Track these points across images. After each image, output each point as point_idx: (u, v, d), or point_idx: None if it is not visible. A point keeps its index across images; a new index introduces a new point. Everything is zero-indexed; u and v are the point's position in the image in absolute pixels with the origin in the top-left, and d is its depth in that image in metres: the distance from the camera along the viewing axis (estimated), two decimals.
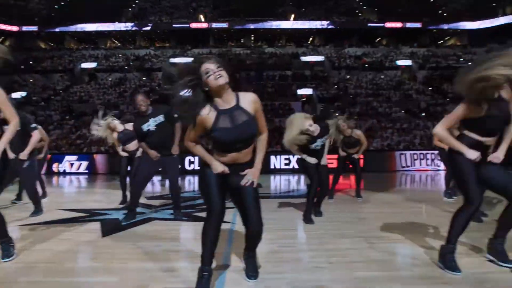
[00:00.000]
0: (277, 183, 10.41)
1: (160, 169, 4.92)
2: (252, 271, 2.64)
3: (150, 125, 4.63)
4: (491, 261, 2.87)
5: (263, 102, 17.20)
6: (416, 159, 13.73)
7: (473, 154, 2.65)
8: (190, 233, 4.06)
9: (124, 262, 3.01)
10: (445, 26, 36.32)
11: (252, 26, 36.26)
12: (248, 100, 2.41)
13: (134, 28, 35.57)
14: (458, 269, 2.65)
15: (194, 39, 35.53)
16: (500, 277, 2.60)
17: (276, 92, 26.05)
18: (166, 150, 4.67)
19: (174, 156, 4.74)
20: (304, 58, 31.78)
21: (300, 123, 4.36)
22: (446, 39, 38.66)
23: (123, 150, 6.07)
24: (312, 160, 4.63)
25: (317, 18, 36.85)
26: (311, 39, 39.01)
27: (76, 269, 2.94)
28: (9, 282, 2.62)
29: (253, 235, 2.54)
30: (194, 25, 35.60)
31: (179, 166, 5.19)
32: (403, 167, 13.61)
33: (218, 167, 2.41)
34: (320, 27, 36.61)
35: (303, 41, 37.57)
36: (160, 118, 4.65)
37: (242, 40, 38.00)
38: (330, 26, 36.44)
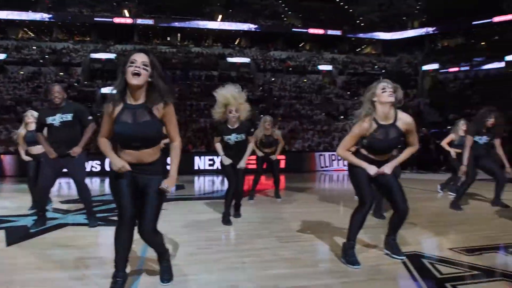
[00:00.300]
0: (201, 184, 10.39)
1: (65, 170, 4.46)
2: (166, 274, 2.64)
3: (55, 120, 4.27)
4: (387, 254, 3.18)
5: (188, 102, 17.05)
6: (334, 160, 14.51)
7: (372, 170, 3.00)
8: (104, 239, 3.92)
9: (30, 272, 2.84)
10: (362, 35, 38.81)
11: (178, 24, 35.68)
12: (158, 105, 2.37)
13: (51, 19, 33.10)
14: (358, 263, 2.90)
15: (118, 35, 34.04)
16: (393, 268, 2.89)
17: (202, 92, 25.89)
18: (68, 150, 4.29)
19: (77, 157, 4.33)
20: (230, 59, 31.99)
21: (231, 92, 4.48)
22: (363, 47, 41.29)
23: (27, 153, 5.61)
24: (226, 161, 4.57)
25: (244, 20, 37.30)
26: (237, 40, 39.37)
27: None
28: None
29: (143, 238, 2.50)
30: (117, 20, 34.11)
31: (85, 168, 4.85)
32: (322, 167, 14.30)
33: (117, 162, 2.33)
34: (247, 29, 37.11)
35: (229, 42, 37.79)
36: (68, 117, 4.30)
37: (168, 38, 37.22)
38: (256, 29, 37.09)
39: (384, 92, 2.95)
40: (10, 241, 3.76)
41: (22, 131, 5.64)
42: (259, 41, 37.32)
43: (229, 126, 4.56)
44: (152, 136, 2.39)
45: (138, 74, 2.27)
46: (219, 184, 10.01)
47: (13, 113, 19.82)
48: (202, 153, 13.64)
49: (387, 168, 3.01)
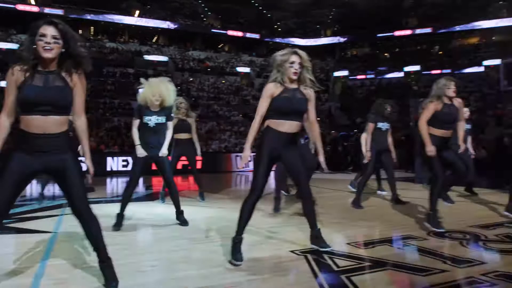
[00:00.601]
0: (113, 186, 10.00)
1: None
2: (111, 278, 2.48)
3: None
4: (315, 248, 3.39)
5: (101, 99, 16.23)
6: (250, 161, 14.84)
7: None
8: (7, 248, 3.64)
9: None
10: (279, 40, 40.12)
11: (91, 17, 33.71)
12: (72, 72, 2.33)
13: None
14: (240, 259, 3.01)
15: (22, 23, 31.09)
16: (295, 263, 3.09)
17: (116, 89, 24.82)
18: None
19: None
20: (147, 57, 31.05)
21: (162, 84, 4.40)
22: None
23: None
24: (139, 151, 4.32)
25: (163, 18, 36.44)
26: (155, 38, 38.31)
27: None
28: None
29: (80, 222, 2.43)
30: (21, 7, 31.16)
31: None
32: (239, 168, 14.57)
33: None
34: (165, 27, 36.30)
35: (147, 39, 36.62)
36: None
37: (80, 31, 34.94)
38: (175, 27, 36.44)
39: None
40: None
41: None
42: (178, 40, 36.72)
43: (151, 109, 4.39)
44: (64, 103, 2.31)
45: (49, 50, 2.22)
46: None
47: None
48: (116, 153, 13.10)
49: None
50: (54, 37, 2.22)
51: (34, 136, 2.25)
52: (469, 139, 7.01)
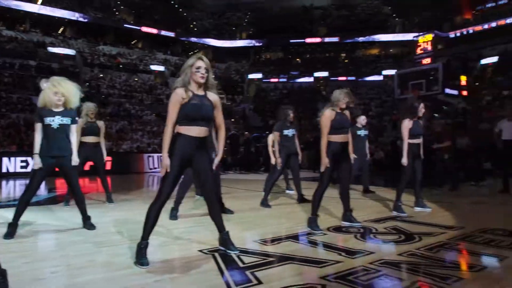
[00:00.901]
0: (10, 189, 9.16)
1: None
2: None
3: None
4: (223, 251, 3.47)
5: None
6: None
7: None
8: None
9: None
10: (195, 40, 39.89)
11: None
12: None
13: None
14: (146, 264, 3.01)
15: None
16: (203, 262, 3.17)
17: (14, 83, 22.66)
18: None
19: None
20: (52, 49, 28.83)
21: (64, 83, 4.07)
22: (195, 51, 42.41)
23: None
24: (36, 161, 3.96)
25: (70, 8, 34.09)
26: (61, 29, 35.69)
27: None
28: None
29: None
30: None
31: None
32: (151, 168, 14.23)
33: None
34: (73, 18, 34.03)
35: (51, 30, 33.96)
36: None
37: None
38: (84, 19, 34.33)
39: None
40: None
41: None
42: (87, 33, 34.65)
43: (53, 109, 4.05)
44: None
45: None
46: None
47: None
48: (13, 153, 11.98)
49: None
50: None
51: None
52: (366, 143, 7.74)
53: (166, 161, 3.17)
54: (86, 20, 34.49)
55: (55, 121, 4.02)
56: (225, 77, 35.83)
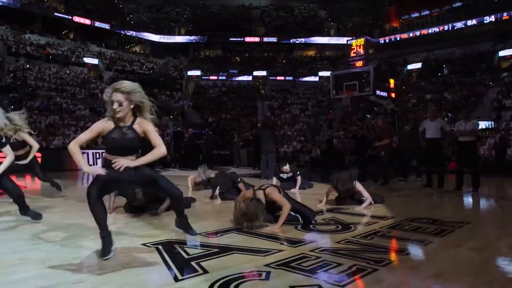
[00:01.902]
0: None
1: None
2: None
3: None
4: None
5: None
6: (99, 158, 14.03)
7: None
8: None
9: None
10: (132, 33, 38.53)
11: None
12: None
13: None
14: (107, 254, 3.03)
15: None
16: (147, 255, 3.16)
17: None
18: None
19: None
20: None
21: None
22: (132, 45, 41.06)
23: None
24: None
25: None
26: None
27: None
28: None
29: None
30: None
31: None
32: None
33: None
34: None
35: None
36: None
37: None
38: (7, 4, 31.72)
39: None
40: None
41: None
42: (11, 20, 32.05)
43: None
44: None
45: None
46: None
47: None
48: None
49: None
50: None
51: None
52: None
53: (90, 169, 3.05)
54: (10, 5, 31.89)
55: None
56: (164, 73, 35.08)
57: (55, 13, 33.98)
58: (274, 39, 39.87)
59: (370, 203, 5.62)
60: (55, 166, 12.36)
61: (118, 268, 2.84)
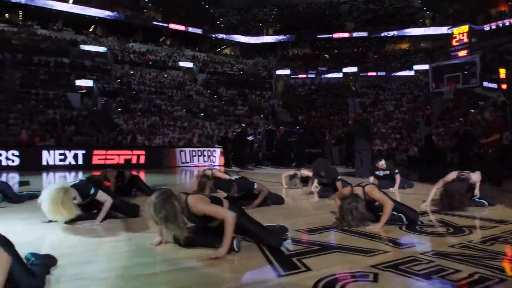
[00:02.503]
0: (50, 180, 9.45)
1: None
2: None
3: None
4: None
5: (34, 90, 15.20)
6: (194, 156, 14.74)
7: None
8: None
9: None
10: (222, 36, 40.06)
11: (19, 0, 31.38)
12: None
13: None
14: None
15: None
16: (248, 248, 3.16)
17: (50, 80, 23.37)
18: None
19: None
20: (84, 47, 29.58)
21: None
22: (223, 47, 42.66)
23: None
24: None
25: (100, 6, 34.89)
26: (92, 27, 36.59)
27: None
28: None
29: None
30: None
31: None
32: (183, 163, 14.39)
33: None
34: (103, 16, 34.81)
35: (83, 28, 34.86)
36: None
37: (7, 15, 32.46)
38: (114, 17, 35.04)
39: None
40: None
41: None
42: (117, 31, 35.37)
43: None
44: None
45: None
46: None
47: None
48: (51, 147, 12.34)
49: None
50: None
51: None
52: None
53: None
54: (116, 18, 35.19)
55: None
56: (253, 73, 35.84)
57: (153, 22, 36.71)
58: (364, 34, 38.48)
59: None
60: (156, 163, 13.25)
61: (219, 261, 2.88)
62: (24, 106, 18.83)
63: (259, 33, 40.80)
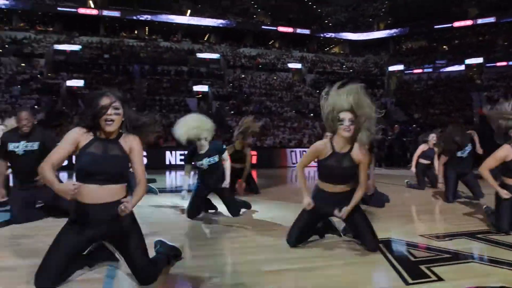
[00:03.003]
0: (172, 178, 10.32)
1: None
2: None
3: (19, 147, 3.99)
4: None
5: (158, 96, 16.72)
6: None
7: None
8: None
9: None
10: (330, 35, 39.47)
11: (146, 17, 34.97)
12: (128, 139, 2.34)
13: (9, 7, 31.58)
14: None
15: (83, 26, 32.99)
16: (370, 252, 3.01)
17: (171, 87, 25.61)
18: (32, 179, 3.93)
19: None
20: (200, 55, 31.73)
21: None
22: (331, 46, 42.02)
23: None
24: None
25: (213, 16, 37.09)
26: (207, 36, 39.09)
27: None
28: None
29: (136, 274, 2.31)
30: (82, 11, 33.06)
31: None
32: (294, 163, 14.49)
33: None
34: (216, 25, 36.92)
35: (199, 37, 37.45)
36: (34, 146, 4.03)
37: (136, 32, 36.46)
38: (225, 25, 36.95)
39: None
40: None
41: None
42: (229, 38, 37.23)
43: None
44: (120, 172, 2.32)
45: (112, 122, 2.24)
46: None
47: None
48: (173, 148, 13.49)
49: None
50: (115, 108, 2.25)
51: (86, 206, 2.21)
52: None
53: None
54: (227, 26, 37.07)
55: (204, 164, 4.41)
56: (364, 71, 34.62)
57: (263, 27, 37.77)
58: (491, 20, 34.33)
59: None
60: (268, 163, 13.56)
61: (341, 262, 2.80)
62: (150, 111, 20.91)
63: (368, 29, 39.24)
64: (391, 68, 33.89)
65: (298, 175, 3.24)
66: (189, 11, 37.02)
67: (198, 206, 4.42)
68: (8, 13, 32.67)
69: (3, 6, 31.42)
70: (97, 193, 2.20)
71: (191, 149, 4.48)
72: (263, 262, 2.79)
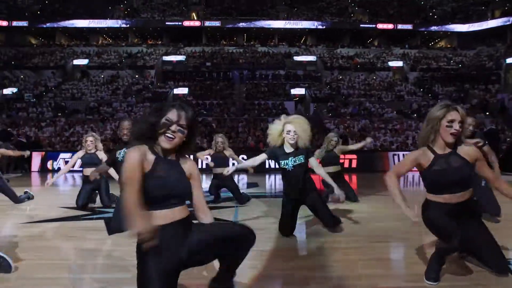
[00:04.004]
0: (271, 182, 10.50)
1: None
2: None
3: (122, 154, 4.30)
4: None
5: (256, 101, 17.06)
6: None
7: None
8: None
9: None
10: (435, 28, 36.74)
11: (244, 25, 36.30)
12: (186, 163, 2.13)
13: (126, 25, 35.47)
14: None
15: (187, 37, 35.52)
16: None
17: (269, 91, 26.15)
18: None
19: None
20: (296, 58, 31.90)
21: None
22: (436, 41, 39.13)
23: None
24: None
25: (309, 18, 37.05)
26: (303, 39, 39.17)
27: (88, 266, 2.99)
28: (23, 278, 2.66)
29: None
30: (187, 23, 35.59)
31: None
32: None
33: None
34: (312, 27, 36.80)
35: (295, 40, 37.71)
36: None
37: (235, 39, 38.04)
38: (322, 26, 36.63)
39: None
40: (110, 230, 4.13)
41: (80, 152, 5.76)
42: (325, 39, 36.86)
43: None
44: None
45: (174, 138, 1.99)
46: None
47: (97, 114, 21.49)
48: None
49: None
50: (180, 126, 2.00)
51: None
52: None
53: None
54: (324, 27, 36.66)
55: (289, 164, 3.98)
56: (475, 65, 31.54)
57: (361, 25, 36.61)
58: None
59: None
60: (369, 168, 13.09)
61: (466, 283, 2.56)
62: (249, 115, 21.62)
63: (481, 19, 35.60)
64: (509, 60, 30.32)
65: (390, 184, 2.71)
66: (285, 15, 37.54)
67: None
68: (124, 31, 36.55)
69: (121, 25, 35.28)
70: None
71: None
72: (375, 277, 2.68)
